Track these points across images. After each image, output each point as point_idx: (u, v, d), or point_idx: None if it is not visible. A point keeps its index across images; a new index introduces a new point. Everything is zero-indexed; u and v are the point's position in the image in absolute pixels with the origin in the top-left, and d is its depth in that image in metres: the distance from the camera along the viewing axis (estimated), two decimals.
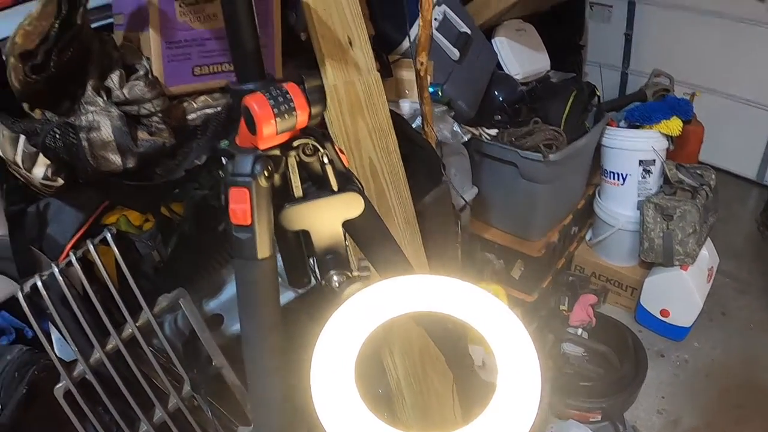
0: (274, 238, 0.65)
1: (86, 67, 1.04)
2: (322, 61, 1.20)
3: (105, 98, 1.03)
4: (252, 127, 0.60)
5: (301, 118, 0.61)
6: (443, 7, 1.90)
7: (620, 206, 2.32)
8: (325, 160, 0.65)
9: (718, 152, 3.00)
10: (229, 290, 1.28)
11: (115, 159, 1.03)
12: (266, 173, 0.62)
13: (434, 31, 1.84)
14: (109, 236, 1.06)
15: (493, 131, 2.03)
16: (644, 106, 2.30)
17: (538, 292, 2.18)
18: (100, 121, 1.02)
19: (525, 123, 2.00)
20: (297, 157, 0.66)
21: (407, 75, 1.62)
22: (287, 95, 0.60)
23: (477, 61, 1.97)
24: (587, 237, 2.53)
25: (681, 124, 2.25)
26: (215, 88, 1.15)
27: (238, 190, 0.62)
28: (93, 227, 1.13)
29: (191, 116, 1.13)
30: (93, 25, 1.42)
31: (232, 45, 0.67)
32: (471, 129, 2.02)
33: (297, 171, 0.65)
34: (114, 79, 1.05)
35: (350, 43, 1.25)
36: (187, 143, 1.11)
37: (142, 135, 1.05)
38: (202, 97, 1.15)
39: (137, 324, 1.10)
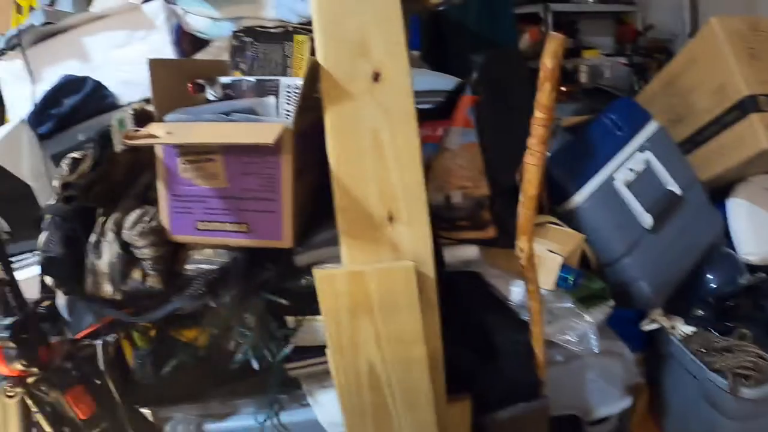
0: None
1: (116, 202, 1.14)
2: (343, 239, 1.04)
3: (116, 233, 1.11)
4: None
5: None
6: (647, 154, 1.47)
7: None
8: None
9: None
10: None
11: (107, 289, 1.10)
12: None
13: (622, 188, 1.44)
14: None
15: (689, 329, 1.50)
16: None
17: None
18: (104, 252, 1.10)
19: (731, 330, 1.43)
20: None
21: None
22: None
23: (684, 232, 1.47)
24: None
25: None
26: (221, 245, 1.12)
27: None
28: None
29: (189, 266, 1.13)
30: None
31: None
32: (660, 319, 1.53)
33: None
34: (131, 218, 1.10)
35: (390, 218, 1.04)
36: (181, 290, 1.12)
37: (135, 275, 1.09)
38: (209, 251, 1.11)
39: None
